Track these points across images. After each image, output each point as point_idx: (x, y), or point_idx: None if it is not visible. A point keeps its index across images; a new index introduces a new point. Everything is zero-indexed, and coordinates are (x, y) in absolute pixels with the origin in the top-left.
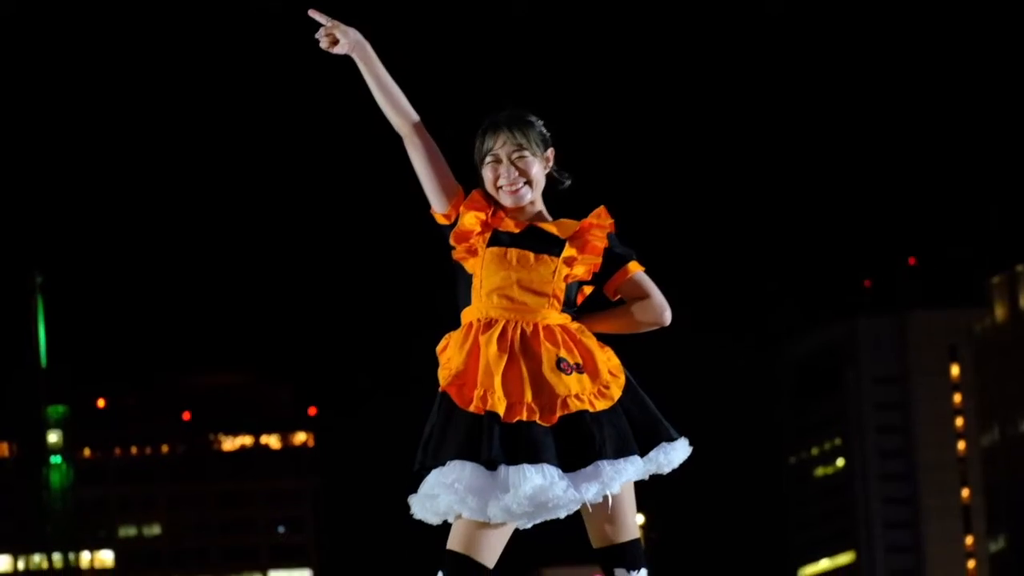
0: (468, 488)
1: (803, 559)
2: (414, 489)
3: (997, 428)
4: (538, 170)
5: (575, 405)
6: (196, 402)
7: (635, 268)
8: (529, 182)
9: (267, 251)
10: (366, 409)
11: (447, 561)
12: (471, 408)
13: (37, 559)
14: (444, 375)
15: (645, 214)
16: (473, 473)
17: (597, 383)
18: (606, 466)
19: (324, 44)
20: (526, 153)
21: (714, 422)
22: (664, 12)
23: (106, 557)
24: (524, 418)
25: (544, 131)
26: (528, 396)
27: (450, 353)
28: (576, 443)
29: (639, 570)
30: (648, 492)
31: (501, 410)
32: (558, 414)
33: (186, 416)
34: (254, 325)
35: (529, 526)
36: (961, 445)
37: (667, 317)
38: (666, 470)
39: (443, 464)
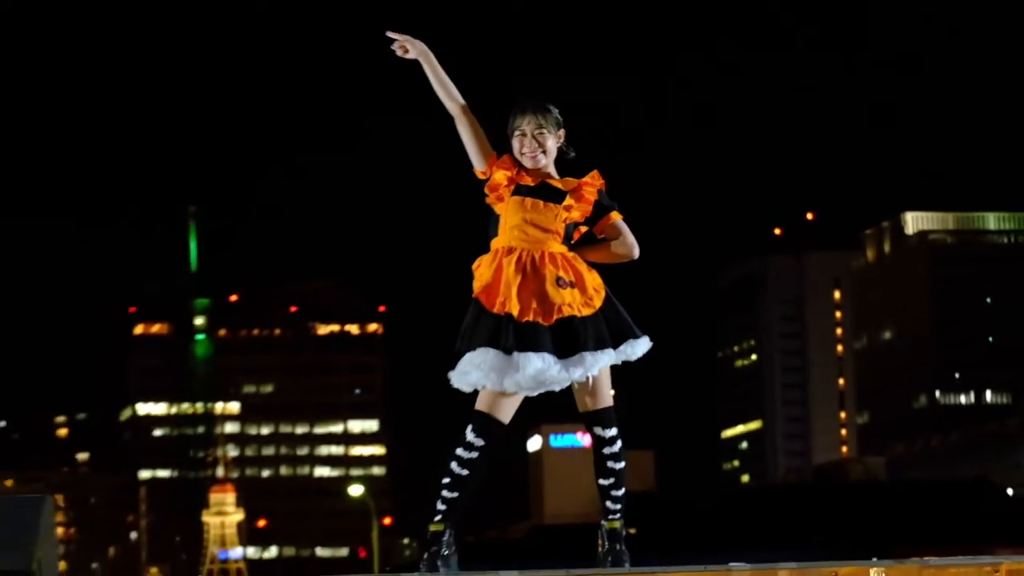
0: (491, 367)
1: (725, 425)
2: (453, 367)
3: (866, 337)
4: (552, 143)
5: (567, 311)
6: (300, 299)
7: (616, 217)
8: (544, 151)
9: (353, 194)
10: (420, 307)
11: (474, 418)
12: (495, 310)
13: (185, 406)
14: (477, 285)
15: (629, 176)
16: (495, 356)
17: (584, 296)
18: (588, 356)
19: (398, 53)
20: (544, 131)
21: (667, 327)
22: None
23: (234, 407)
24: (531, 319)
25: (558, 116)
26: (534, 303)
27: (482, 270)
28: (568, 338)
29: (612, 428)
30: (616, 372)
31: (516, 312)
32: (555, 317)
33: (292, 309)
34: (341, 245)
35: (535, 395)
36: (840, 348)
37: (636, 253)
38: (632, 358)
39: (474, 349)
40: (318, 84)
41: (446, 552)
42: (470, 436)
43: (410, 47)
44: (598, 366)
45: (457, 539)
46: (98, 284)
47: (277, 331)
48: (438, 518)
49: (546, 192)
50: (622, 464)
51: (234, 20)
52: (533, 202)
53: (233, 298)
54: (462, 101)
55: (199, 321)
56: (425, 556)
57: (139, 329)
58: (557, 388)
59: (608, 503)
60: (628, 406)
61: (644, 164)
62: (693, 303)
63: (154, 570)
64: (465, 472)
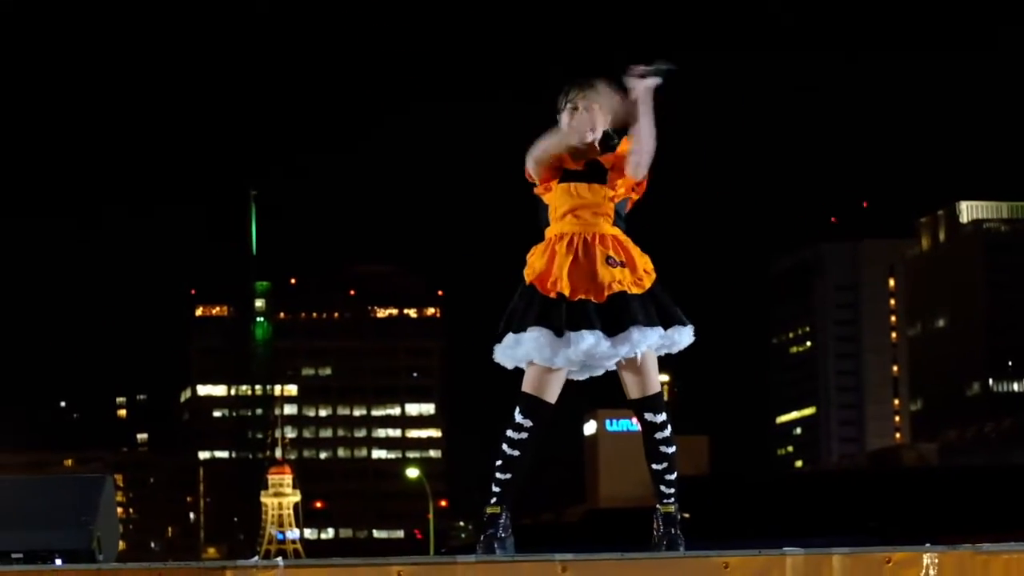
0: (544, 344)
1: (780, 410)
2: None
3: (919, 324)
4: (601, 121)
5: (617, 288)
6: (359, 283)
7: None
8: (593, 129)
9: (413, 178)
10: (478, 292)
11: (521, 400)
12: (549, 294)
13: (244, 388)
14: (529, 273)
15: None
16: (546, 335)
17: (635, 275)
18: (635, 331)
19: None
20: (596, 106)
21: (723, 314)
22: None
23: (292, 389)
24: (583, 297)
25: (612, 93)
26: (585, 282)
27: (534, 259)
28: (617, 315)
29: (662, 413)
30: (673, 360)
31: (568, 291)
32: (605, 294)
33: (352, 292)
34: (401, 229)
35: (582, 379)
36: (894, 335)
37: (639, 174)
38: (675, 349)
39: (525, 330)
40: (381, 70)
41: (503, 534)
42: (519, 417)
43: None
44: (646, 343)
45: (513, 521)
46: (160, 267)
47: (336, 314)
48: (493, 500)
49: (592, 173)
50: (673, 448)
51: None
52: (578, 187)
53: (293, 281)
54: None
55: (259, 304)
56: (482, 538)
57: (199, 311)
58: (607, 365)
59: (662, 487)
60: (684, 391)
61: (704, 151)
62: (749, 290)
63: (212, 550)
64: (516, 453)
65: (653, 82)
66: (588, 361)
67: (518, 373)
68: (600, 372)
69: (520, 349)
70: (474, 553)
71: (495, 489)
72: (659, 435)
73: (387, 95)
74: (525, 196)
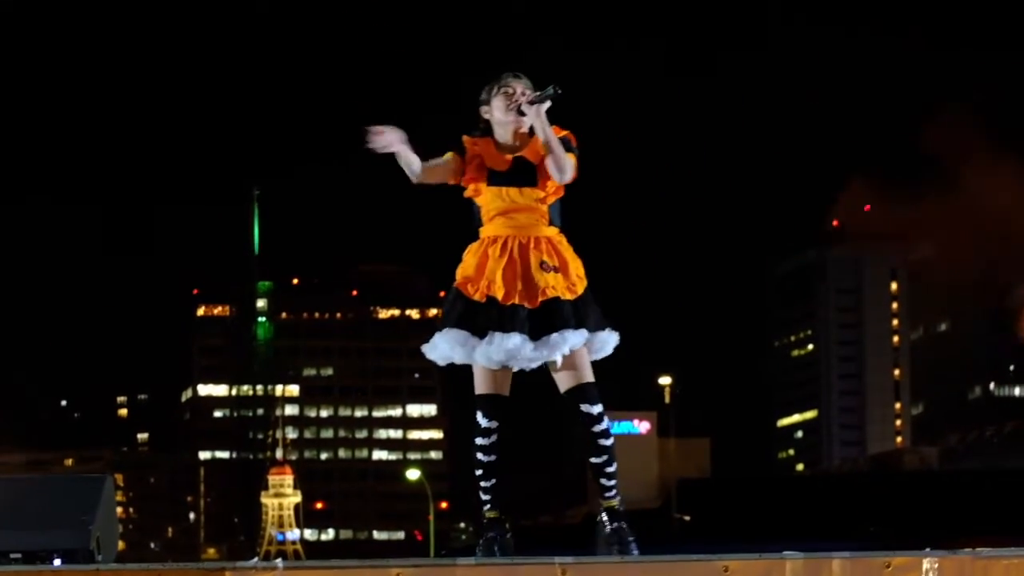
0: (460, 342)
1: (781, 413)
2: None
3: (922, 328)
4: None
5: (551, 293)
6: (361, 283)
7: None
8: (525, 115)
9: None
10: None
11: (479, 402)
12: (476, 296)
13: (246, 388)
14: (459, 274)
15: (692, 162)
16: (463, 335)
17: (567, 281)
18: (558, 335)
19: (378, 145)
20: (528, 92)
21: (725, 315)
22: None
23: (293, 389)
24: (516, 302)
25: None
26: (519, 286)
27: (466, 260)
28: (548, 320)
29: (597, 404)
30: (675, 361)
31: (500, 295)
32: (539, 299)
33: (354, 293)
34: (403, 231)
35: (528, 367)
36: (895, 339)
37: (564, 178)
38: (600, 355)
39: (443, 329)
40: (388, 69)
41: (502, 537)
42: (483, 422)
43: (390, 139)
44: (568, 345)
45: (512, 523)
46: (162, 266)
47: (338, 315)
48: (488, 507)
49: (521, 173)
50: (611, 441)
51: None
52: (510, 191)
53: (295, 281)
54: (419, 167)
55: (261, 304)
56: (481, 541)
57: (201, 311)
58: (531, 366)
59: (603, 480)
60: (685, 393)
61: (706, 152)
62: (751, 292)
63: (212, 550)
64: (492, 457)
65: (544, 106)
66: (509, 361)
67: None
68: (529, 367)
69: (438, 350)
70: (474, 555)
71: (485, 497)
72: (597, 427)
73: (394, 94)
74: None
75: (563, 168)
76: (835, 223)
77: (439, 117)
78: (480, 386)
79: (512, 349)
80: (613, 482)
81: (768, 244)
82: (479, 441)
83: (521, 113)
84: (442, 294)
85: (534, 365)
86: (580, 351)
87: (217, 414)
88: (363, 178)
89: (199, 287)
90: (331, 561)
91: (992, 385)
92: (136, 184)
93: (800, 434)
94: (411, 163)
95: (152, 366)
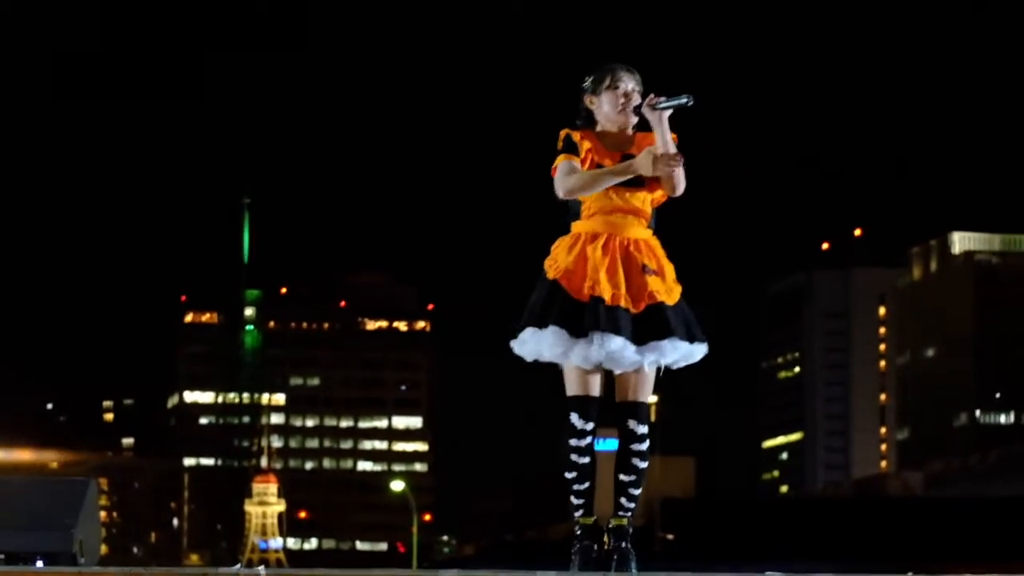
0: (561, 341)
1: (767, 435)
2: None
3: (909, 353)
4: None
5: (655, 298)
6: (349, 294)
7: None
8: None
9: (407, 192)
10: (468, 307)
11: (571, 403)
12: (581, 296)
13: (232, 395)
14: (551, 266)
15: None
16: (564, 334)
17: (666, 285)
18: (667, 343)
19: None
20: (637, 93)
21: (712, 336)
22: None
23: (280, 398)
24: (621, 304)
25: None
26: (623, 288)
27: (559, 252)
28: (652, 325)
29: (644, 425)
30: (662, 379)
31: (607, 296)
32: (644, 304)
33: (342, 303)
34: (393, 242)
35: (624, 370)
36: (882, 364)
37: (678, 191)
38: (687, 363)
39: (544, 327)
40: (375, 78)
41: (599, 546)
42: (578, 423)
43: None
44: (675, 354)
45: (502, 537)
46: (151, 272)
47: (326, 325)
48: (581, 512)
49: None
50: (646, 464)
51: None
52: (615, 190)
53: (283, 290)
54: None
55: (249, 312)
56: (577, 548)
57: (189, 318)
58: (628, 369)
59: (623, 500)
60: (671, 412)
61: (699, 171)
62: (739, 313)
63: (195, 557)
64: (587, 459)
65: (668, 113)
66: (608, 364)
67: (508, 386)
68: (627, 370)
69: (536, 345)
70: (455, 568)
71: (578, 501)
72: (636, 447)
73: (383, 104)
74: (523, 212)
75: (679, 182)
76: (825, 246)
77: (438, 120)
78: (573, 387)
79: (614, 351)
80: (633, 504)
81: (758, 265)
82: (573, 443)
83: (638, 114)
84: (430, 306)
85: (630, 368)
86: (650, 369)
87: (203, 421)
88: (353, 188)
89: (187, 294)
90: (314, 571)
91: (978, 412)
92: (127, 189)
93: (785, 456)
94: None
95: (139, 371)
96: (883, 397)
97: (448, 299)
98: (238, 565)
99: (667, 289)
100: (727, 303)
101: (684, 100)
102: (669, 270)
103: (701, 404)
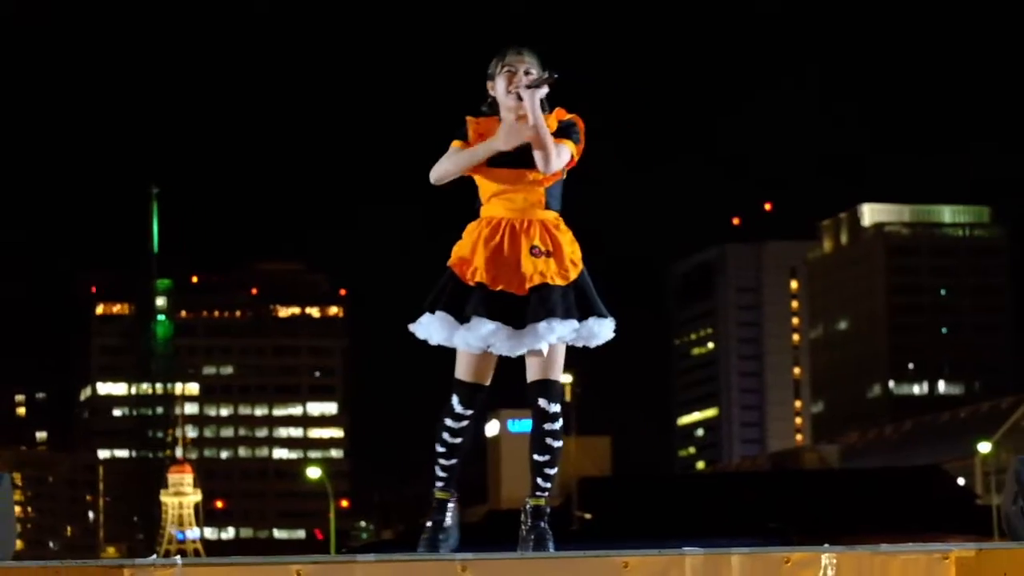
0: (444, 326)
1: (682, 411)
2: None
3: (821, 326)
4: (547, 80)
5: (539, 279)
6: (261, 281)
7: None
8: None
9: (316, 179)
10: (380, 293)
11: (456, 386)
12: (467, 280)
13: (145, 386)
14: (453, 255)
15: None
16: (447, 319)
17: (560, 267)
18: (543, 325)
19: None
20: (533, 72)
21: (624, 314)
22: None
23: (193, 388)
24: (503, 288)
25: (542, 64)
26: (507, 273)
27: (463, 240)
28: (535, 306)
29: (557, 403)
30: (575, 360)
31: (487, 281)
32: (527, 286)
33: (254, 291)
34: (303, 230)
35: (511, 354)
36: (795, 337)
37: (550, 168)
38: (594, 342)
39: (434, 312)
40: (286, 66)
41: (449, 523)
42: (457, 407)
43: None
44: (554, 335)
45: (416, 522)
46: (59, 264)
47: (238, 313)
48: (441, 485)
49: (523, 154)
50: (560, 443)
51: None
52: (508, 172)
53: (194, 279)
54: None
55: (160, 302)
56: (429, 524)
57: (100, 309)
58: (515, 354)
59: (539, 480)
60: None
61: (607, 151)
62: (651, 290)
63: (111, 549)
64: (459, 440)
65: (541, 91)
66: (488, 348)
67: (423, 370)
68: (507, 354)
69: (427, 330)
70: (373, 552)
71: (441, 474)
72: (549, 426)
73: (291, 93)
74: (433, 194)
75: (547, 159)
76: (735, 221)
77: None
78: (461, 371)
79: (486, 335)
80: (549, 484)
81: (668, 241)
82: (448, 422)
83: (519, 97)
84: (342, 292)
85: (518, 353)
86: (558, 347)
87: (116, 413)
88: (262, 176)
89: (97, 285)
90: (231, 558)
91: (891, 383)
92: (34, 180)
93: (701, 432)
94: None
95: (50, 364)
96: (797, 371)
97: (360, 284)
98: (154, 556)
99: (559, 270)
100: (639, 280)
101: (546, 75)
102: (570, 250)
103: (616, 383)
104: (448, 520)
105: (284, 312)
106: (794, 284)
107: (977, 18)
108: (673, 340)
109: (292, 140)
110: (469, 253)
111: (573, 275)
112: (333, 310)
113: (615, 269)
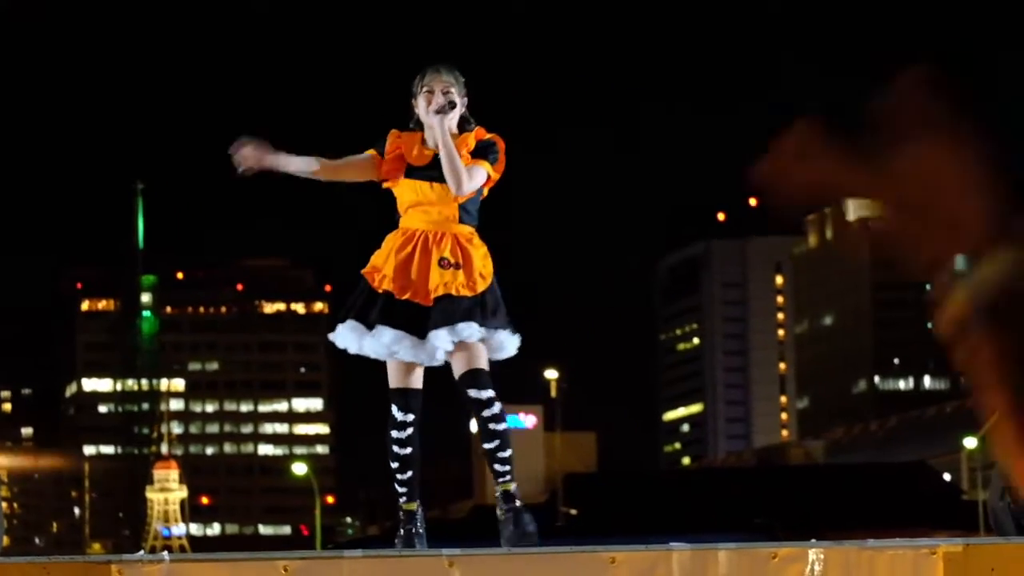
0: (353, 335)
1: (667, 407)
2: None
3: (806, 321)
4: (458, 105)
5: (443, 290)
6: (247, 277)
7: (485, 167)
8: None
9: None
10: None
11: (393, 396)
12: (377, 288)
13: (130, 383)
14: (370, 263)
15: (578, 156)
16: (357, 327)
17: (468, 279)
18: (444, 331)
19: (243, 168)
20: (452, 90)
21: (610, 309)
22: None
23: (179, 384)
24: (409, 297)
25: (463, 83)
26: (414, 283)
27: (380, 249)
28: (439, 316)
29: (487, 390)
30: (559, 354)
31: (395, 291)
32: (432, 296)
33: (239, 287)
34: (289, 225)
35: (420, 363)
36: (781, 332)
37: (462, 190)
38: (498, 356)
39: (344, 320)
40: (271, 63)
41: (420, 529)
42: (398, 415)
43: (251, 159)
44: (453, 339)
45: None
46: (45, 260)
47: (223, 309)
48: (405, 499)
49: (437, 170)
50: (504, 425)
51: None
52: (423, 185)
53: (180, 275)
54: (316, 165)
55: (145, 298)
56: (401, 533)
57: (85, 305)
58: (432, 362)
59: (497, 467)
60: (572, 387)
61: (594, 145)
62: (636, 286)
63: (97, 546)
64: (408, 450)
65: (452, 116)
66: (393, 356)
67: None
68: (424, 362)
69: (337, 336)
70: (360, 548)
71: (402, 489)
72: (487, 412)
73: (277, 87)
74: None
75: (458, 183)
76: (721, 216)
77: (333, 109)
78: (391, 379)
79: (389, 343)
80: (508, 467)
81: (654, 237)
82: (394, 434)
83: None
84: (328, 288)
85: (438, 360)
86: (473, 343)
87: (102, 409)
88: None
89: (83, 281)
90: (217, 554)
91: (877, 379)
92: (19, 176)
93: (686, 428)
94: (301, 168)
95: (36, 361)
96: (782, 366)
97: (345, 280)
98: (140, 552)
99: (467, 282)
100: (624, 276)
101: (444, 103)
102: (480, 264)
103: (601, 379)
104: (419, 528)
105: (269, 308)
106: (779, 279)
107: (969, 17)
108: (658, 336)
109: (277, 136)
110: (382, 262)
111: (480, 288)
112: (318, 306)
113: (600, 264)
